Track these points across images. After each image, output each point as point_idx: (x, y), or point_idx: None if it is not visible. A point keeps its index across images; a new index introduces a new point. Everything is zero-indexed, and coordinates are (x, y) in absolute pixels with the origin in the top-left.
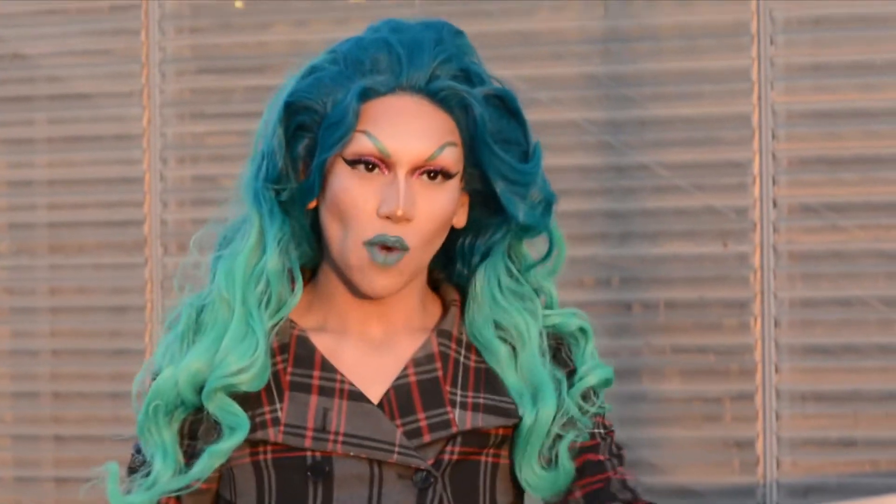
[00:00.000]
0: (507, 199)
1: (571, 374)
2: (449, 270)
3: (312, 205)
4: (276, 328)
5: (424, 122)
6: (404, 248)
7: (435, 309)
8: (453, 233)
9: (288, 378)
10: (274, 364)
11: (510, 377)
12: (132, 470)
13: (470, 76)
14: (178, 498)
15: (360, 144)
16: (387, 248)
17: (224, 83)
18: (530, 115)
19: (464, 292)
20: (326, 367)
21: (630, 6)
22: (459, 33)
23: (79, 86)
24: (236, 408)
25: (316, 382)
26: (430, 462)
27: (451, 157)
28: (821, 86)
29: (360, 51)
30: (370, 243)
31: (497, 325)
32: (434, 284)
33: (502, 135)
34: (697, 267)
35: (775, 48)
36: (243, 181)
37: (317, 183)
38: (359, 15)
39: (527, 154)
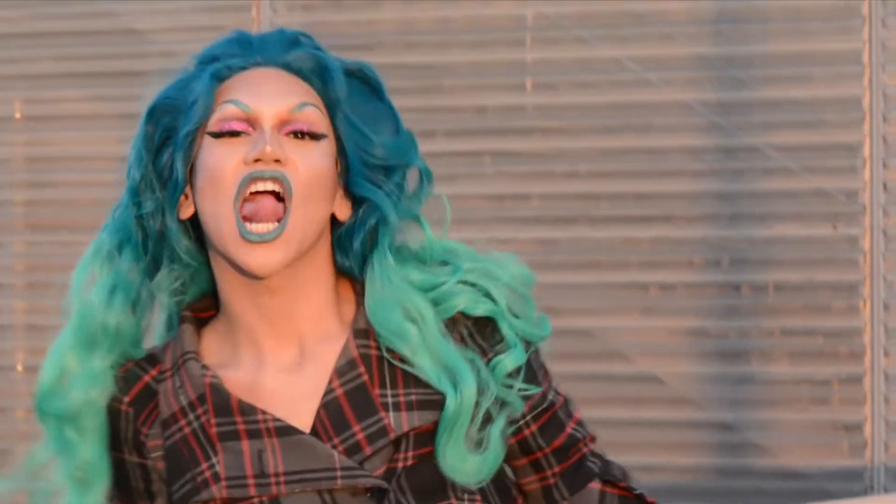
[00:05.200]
0: (367, 189)
1: (486, 355)
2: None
3: (186, 213)
4: (179, 365)
5: (283, 84)
6: (286, 184)
7: (349, 308)
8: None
9: (214, 430)
10: (197, 417)
11: (425, 361)
12: None
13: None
14: None
15: (222, 112)
16: (258, 196)
17: None
18: (640, 96)
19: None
20: (245, 410)
21: None
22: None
23: None
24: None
25: (241, 427)
26: (382, 471)
27: (315, 116)
28: None
29: (211, 48)
30: (243, 183)
31: (402, 307)
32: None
33: (368, 114)
34: (806, 249)
35: (887, 31)
36: (115, 212)
37: (180, 169)
38: None
39: (397, 133)
